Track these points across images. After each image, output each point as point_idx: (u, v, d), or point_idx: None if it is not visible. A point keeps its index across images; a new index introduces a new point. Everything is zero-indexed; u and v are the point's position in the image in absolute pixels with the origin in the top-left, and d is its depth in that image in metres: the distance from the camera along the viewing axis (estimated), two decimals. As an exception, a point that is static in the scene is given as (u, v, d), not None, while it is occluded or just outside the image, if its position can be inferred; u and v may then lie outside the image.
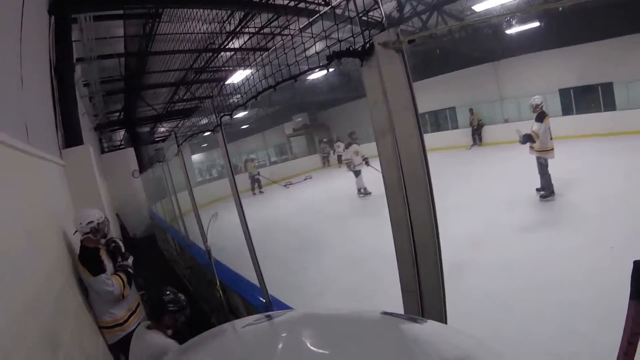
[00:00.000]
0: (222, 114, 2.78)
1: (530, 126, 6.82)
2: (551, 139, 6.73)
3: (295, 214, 10.65)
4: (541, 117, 6.74)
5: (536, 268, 4.39)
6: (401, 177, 1.43)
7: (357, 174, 10.67)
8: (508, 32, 14.11)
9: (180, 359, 0.98)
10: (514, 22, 13.41)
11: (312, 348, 0.82)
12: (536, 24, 13.58)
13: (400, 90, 1.35)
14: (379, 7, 1.37)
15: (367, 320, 1.03)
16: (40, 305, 2.20)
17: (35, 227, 2.78)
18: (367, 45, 1.40)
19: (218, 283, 4.12)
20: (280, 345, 0.83)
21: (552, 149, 6.72)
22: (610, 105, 13.83)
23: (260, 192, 16.60)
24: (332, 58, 1.44)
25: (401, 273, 1.61)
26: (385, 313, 1.04)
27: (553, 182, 6.81)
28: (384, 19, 1.40)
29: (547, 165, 6.78)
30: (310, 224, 8.92)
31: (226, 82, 13.15)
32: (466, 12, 13.23)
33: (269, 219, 10.22)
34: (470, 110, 16.99)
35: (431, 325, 1.07)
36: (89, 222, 3.53)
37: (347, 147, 11.33)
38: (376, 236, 6.03)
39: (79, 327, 2.95)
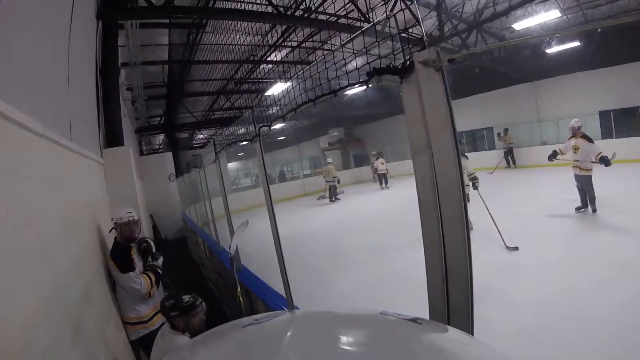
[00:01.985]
0: (261, 125, 2.83)
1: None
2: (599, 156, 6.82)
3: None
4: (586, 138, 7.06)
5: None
6: (436, 196, 1.42)
7: None
8: (547, 51, 13.84)
9: (181, 357, 1.00)
10: (553, 42, 13.14)
11: (312, 348, 0.82)
12: (576, 43, 13.26)
13: (439, 109, 1.34)
14: (420, 25, 1.38)
15: (367, 320, 1.03)
16: (68, 293, 2.28)
17: (72, 217, 2.88)
18: (407, 62, 1.41)
19: (239, 289, 4.15)
20: (281, 345, 0.83)
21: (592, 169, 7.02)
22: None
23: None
24: (372, 74, 1.45)
25: (430, 295, 1.58)
26: (385, 313, 1.04)
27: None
28: (425, 37, 1.40)
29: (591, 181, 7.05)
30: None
31: (265, 94, 13.41)
32: (505, 31, 13.05)
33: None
34: (505, 130, 16.52)
35: (431, 325, 1.05)
36: (128, 212, 3.70)
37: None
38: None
39: (103, 318, 3.02)
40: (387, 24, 1.58)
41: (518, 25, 10.72)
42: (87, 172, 4.24)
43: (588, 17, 11.96)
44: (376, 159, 17.78)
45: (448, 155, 1.34)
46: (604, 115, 14.72)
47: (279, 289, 3.95)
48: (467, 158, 6.55)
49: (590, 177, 7.05)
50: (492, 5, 10.47)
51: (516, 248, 5.71)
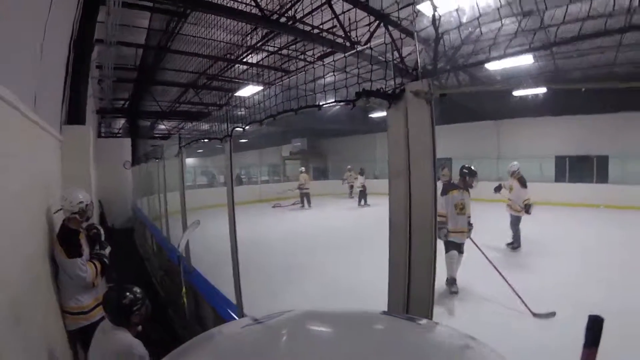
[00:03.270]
0: (235, 126, 2.79)
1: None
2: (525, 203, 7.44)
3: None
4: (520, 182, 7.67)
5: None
6: (407, 221, 1.45)
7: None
8: (514, 93, 14.54)
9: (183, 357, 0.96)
10: (523, 86, 13.88)
11: (313, 347, 0.82)
12: (542, 90, 14.05)
13: (423, 138, 1.39)
14: (417, 58, 1.42)
15: (367, 320, 1.04)
16: (9, 272, 2.16)
17: (23, 192, 2.74)
18: (397, 90, 1.45)
19: (184, 289, 4.04)
20: (281, 345, 0.84)
21: (521, 210, 7.52)
22: (603, 177, 14.42)
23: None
24: (361, 95, 1.48)
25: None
26: (385, 313, 1.05)
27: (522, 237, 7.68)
28: (419, 69, 1.44)
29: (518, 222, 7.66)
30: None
31: (236, 94, 13.28)
32: (478, 70, 13.59)
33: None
34: (443, 166, 17.15)
35: (430, 325, 1.08)
36: (79, 202, 3.45)
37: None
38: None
39: (44, 305, 2.88)
40: (370, 49, 1.62)
41: (490, 66, 11.18)
42: (45, 148, 4.02)
43: (558, 66, 12.67)
44: (354, 175, 18.12)
45: (427, 182, 1.38)
46: (559, 160, 15.73)
47: (227, 293, 3.89)
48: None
49: (518, 217, 7.70)
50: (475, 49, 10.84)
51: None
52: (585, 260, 6.91)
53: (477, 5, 6.72)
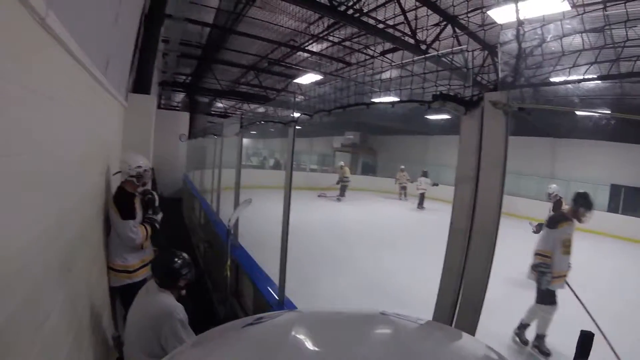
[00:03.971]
0: (302, 113, 2.86)
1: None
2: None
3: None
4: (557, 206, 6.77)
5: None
6: (469, 228, 1.47)
7: None
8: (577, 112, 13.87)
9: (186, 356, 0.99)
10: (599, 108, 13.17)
11: (312, 348, 0.83)
12: (607, 111, 13.27)
13: (496, 148, 1.40)
14: (496, 69, 1.42)
15: (366, 320, 1.04)
16: (69, 227, 2.25)
17: (89, 152, 2.87)
18: (475, 97, 1.46)
19: (229, 261, 4.17)
20: (281, 345, 0.84)
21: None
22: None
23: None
24: (438, 98, 1.50)
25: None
26: (385, 313, 1.06)
27: None
28: (499, 79, 1.45)
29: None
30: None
31: (294, 80, 13.40)
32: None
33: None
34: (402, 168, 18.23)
35: (431, 325, 1.08)
36: (138, 167, 3.63)
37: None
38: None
39: (92, 260, 3.01)
40: (451, 56, 1.61)
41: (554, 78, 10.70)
42: (111, 113, 4.22)
43: (625, 90, 11.94)
44: (406, 176, 18.23)
45: (495, 191, 1.40)
46: (615, 188, 14.81)
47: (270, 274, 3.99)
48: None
49: None
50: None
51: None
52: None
53: (562, 26, 6.43)
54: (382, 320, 1.03)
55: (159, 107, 15.87)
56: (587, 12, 6.73)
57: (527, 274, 4.59)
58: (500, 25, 7.38)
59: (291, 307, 3.35)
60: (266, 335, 0.93)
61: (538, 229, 5.50)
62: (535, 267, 4.39)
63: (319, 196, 16.37)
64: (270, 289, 3.70)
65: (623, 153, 14.62)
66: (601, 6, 6.94)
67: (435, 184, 15.77)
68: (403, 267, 6.89)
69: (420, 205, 15.78)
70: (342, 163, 17.75)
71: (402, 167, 18.73)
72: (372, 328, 0.99)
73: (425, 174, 16.27)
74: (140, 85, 6.36)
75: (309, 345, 0.85)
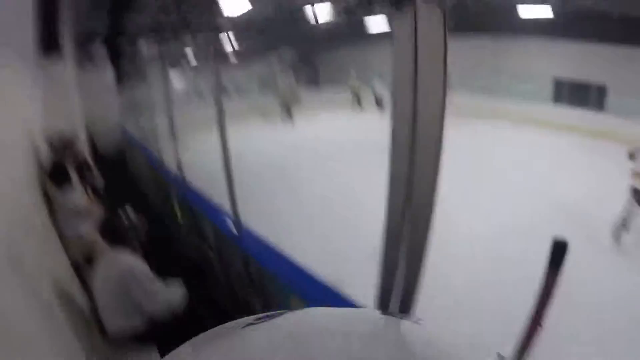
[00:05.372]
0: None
1: None
2: None
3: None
4: None
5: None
6: (410, 137, 1.39)
7: None
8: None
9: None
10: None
11: (311, 348, 0.80)
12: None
13: (434, 48, 1.29)
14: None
15: (366, 320, 1.02)
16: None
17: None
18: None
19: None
20: (281, 345, 0.81)
21: None
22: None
23: None
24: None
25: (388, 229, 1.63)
26: (385, 313, 1.05)
27: None
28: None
29: None
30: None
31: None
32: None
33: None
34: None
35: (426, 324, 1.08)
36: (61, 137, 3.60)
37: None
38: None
39: (43, 241, 2.89)
40: None
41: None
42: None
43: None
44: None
45: (435, 98, 1.32)
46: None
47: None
48: None
49: None
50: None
51: None
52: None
53: None
54: (382, 320, 1.03)
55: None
56: None
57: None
58: None
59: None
60: (267, 335, 0.90)
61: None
62: None
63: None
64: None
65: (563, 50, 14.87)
66: None
67: None
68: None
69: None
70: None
71: (353, 72, 17.02)
72: (372, 328, 0.96)
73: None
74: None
75: (313, 345, 0.81)
